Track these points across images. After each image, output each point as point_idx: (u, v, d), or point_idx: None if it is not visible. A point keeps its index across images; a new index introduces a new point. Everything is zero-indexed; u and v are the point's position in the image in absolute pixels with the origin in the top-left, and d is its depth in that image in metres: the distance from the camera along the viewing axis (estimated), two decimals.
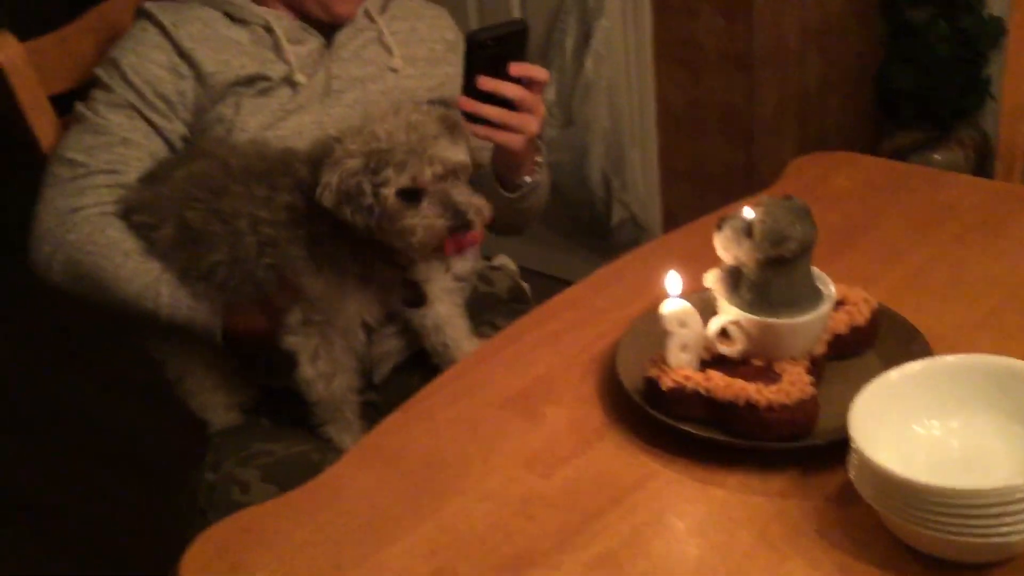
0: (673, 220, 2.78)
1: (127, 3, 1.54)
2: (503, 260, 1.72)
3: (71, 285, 1.37)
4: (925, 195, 1.42)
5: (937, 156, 2.70)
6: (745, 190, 2.54)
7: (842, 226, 1.33)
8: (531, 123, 1.30)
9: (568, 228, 2.91)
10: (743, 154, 2.55)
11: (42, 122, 1.46)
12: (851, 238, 1.31)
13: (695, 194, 2.69)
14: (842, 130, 2.81)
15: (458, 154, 1.19)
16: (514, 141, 1.31)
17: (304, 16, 1.47)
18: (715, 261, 1.04)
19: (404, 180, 1.16)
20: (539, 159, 1.44)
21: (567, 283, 2.46)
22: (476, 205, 1.19)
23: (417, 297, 1.35)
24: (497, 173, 1.43)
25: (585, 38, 2.58)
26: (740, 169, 2.57)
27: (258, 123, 1.41)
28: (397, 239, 1.20)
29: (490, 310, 1.59)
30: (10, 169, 2.53)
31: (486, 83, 1.26)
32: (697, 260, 1.26)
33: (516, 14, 2.78)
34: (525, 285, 1.71)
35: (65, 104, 1.48)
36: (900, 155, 2.75)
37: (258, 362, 1.49)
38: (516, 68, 1.26)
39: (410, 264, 1.31)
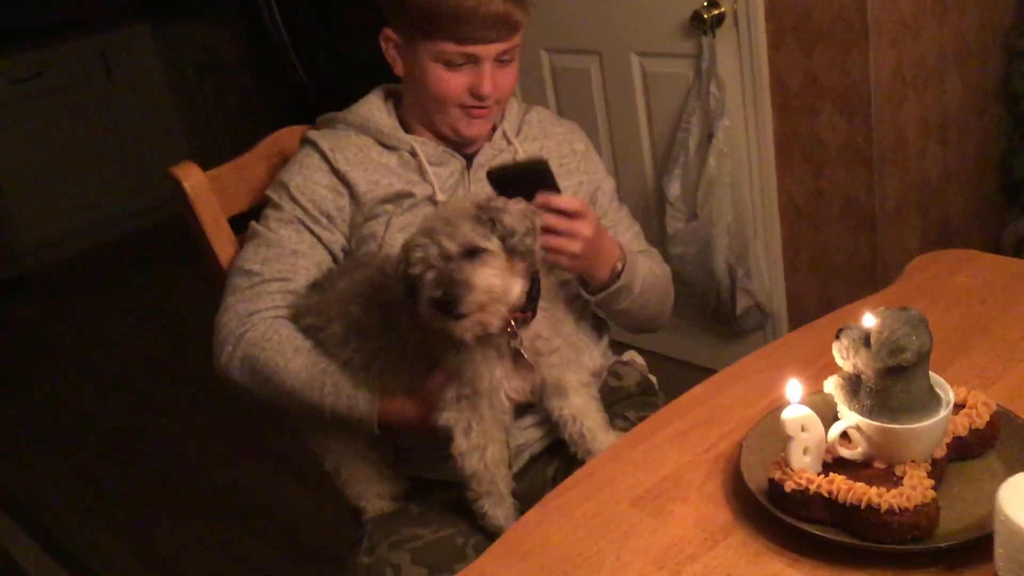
0: (797, 307, 2.76)
1: (293, 133, 1.67)
2: (632, 355, 1.75)
3: (248, 380, 1.47)
4: None
5: None
6: (868, 278, 2.54)
7: (962, 326, 1.33)
8: (568, 245, 1.37)
9: (695, 316, 2.92)
10: (866, 243, 2.53)
11: (221, 241, 1.58)
12: (971, 338, 1.30)
13: (819, 282, 2.68)
14: (965, 218, 2.75)
15: (467, 232, 1.23)
16: (560, 261, 1.39)
17: (444, 139, 1.56)
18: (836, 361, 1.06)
19: (416, 261, 1.24)
20: (618, 266, 1.49)
21: (695, 367, 2.47)
22: (473, 281, 1.21)
23: (517, 361, 1.37)
24: (582, 283, 1.52)
25: (708, 137, 2.62)
26: (863, 258, 2.55)
27: (405, 238, 1.49)
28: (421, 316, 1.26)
29: (621, 403, 1.62)
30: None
31: None
32: (819, 359, 1.29)
33: (643, 121, 2.85)
34: (653, 379, 1.73)
35: (238, 224, 1.61)
36: None
37: (410, 453, 1.56)
38: (537, 200, 1.34)
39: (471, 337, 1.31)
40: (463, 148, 1.57)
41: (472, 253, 1.23)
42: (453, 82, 1.47)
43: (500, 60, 1.48)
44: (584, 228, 1.37)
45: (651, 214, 2.86)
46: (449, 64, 1.46)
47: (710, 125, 2.61)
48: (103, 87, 4.92)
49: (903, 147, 2.49)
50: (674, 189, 2.72)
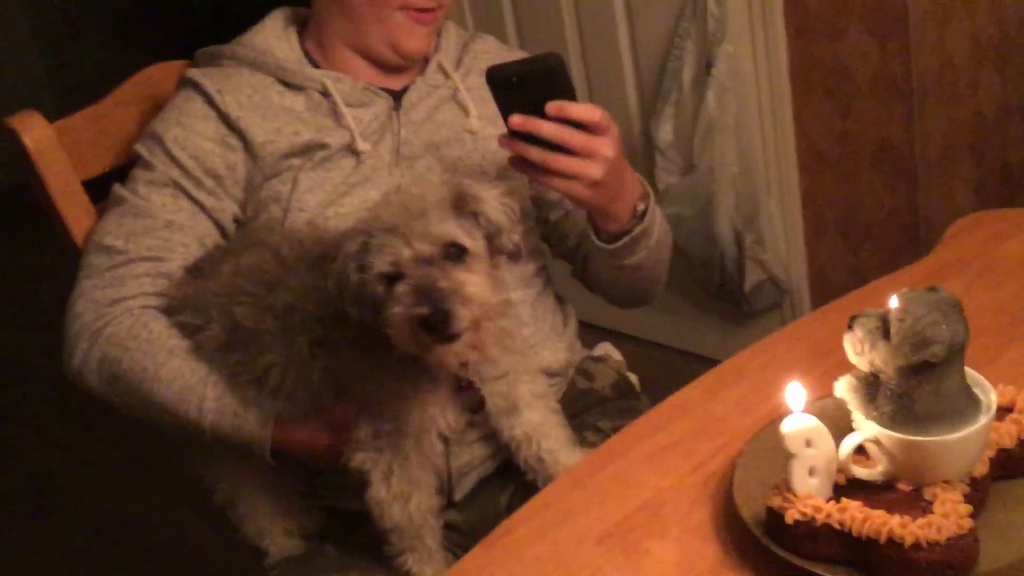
0: (822, 281, 2.77)
1: (166, 71, 1.65)
2: (606, 349, 1.75)
3: (107, 387, 1.45)
4: None
5: None
6: (909, 242, 2.55)
7: (1014, 307, 1.34)
8: (587, 167, 1.32)
9: (694, 293, 2.93)
10: (905, 199, 2.54)
11: (75, 210, 1.56)
12: (1022, 324, 1.30)
13: (848, 249, 2.69)
14: None
15: (448, 229, 1.21)
16: (573, 189, 1.34)
17: (377, 64, 1.56)
18: None
19: (383, 264, 1.20)
20: (640, 206, 1.46)
21: (695, 358, 2.48)
22: (464, 293, 1.19)
23: (473, 401, 1.37)
24: (593, 226, 1.47)
25: (706, 67, 2.62)
26: (902, 217, 2.57)
27: (318, 200, 1.49)
28: (387, 331, 1.22)
29: (592, 410, 1.63)
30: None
31: (517, 123, 1.30)
32: (834, 352, 1.28)
33: (625, 47, 2.84)
34: (633, 378, 1.74)
35: (101, 190, 1.59)
36: None
37: (323, 479, 1.55)
38: (550, 107, 1.29)
39: (455, 363, 1.31)
40: (389, 80, 1.56)
41: (453, 251, 1.21)
42: None
43: None
44: (605, 147, 1.33)
45: (636, 165, 2.82)
46: None
47: (708, 51, 2.61)
48: None
49: (950, 77, 2.50)
50: (664, 134, 2.72)
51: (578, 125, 1.30)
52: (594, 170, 1.32)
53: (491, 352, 1.33)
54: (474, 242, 1.23)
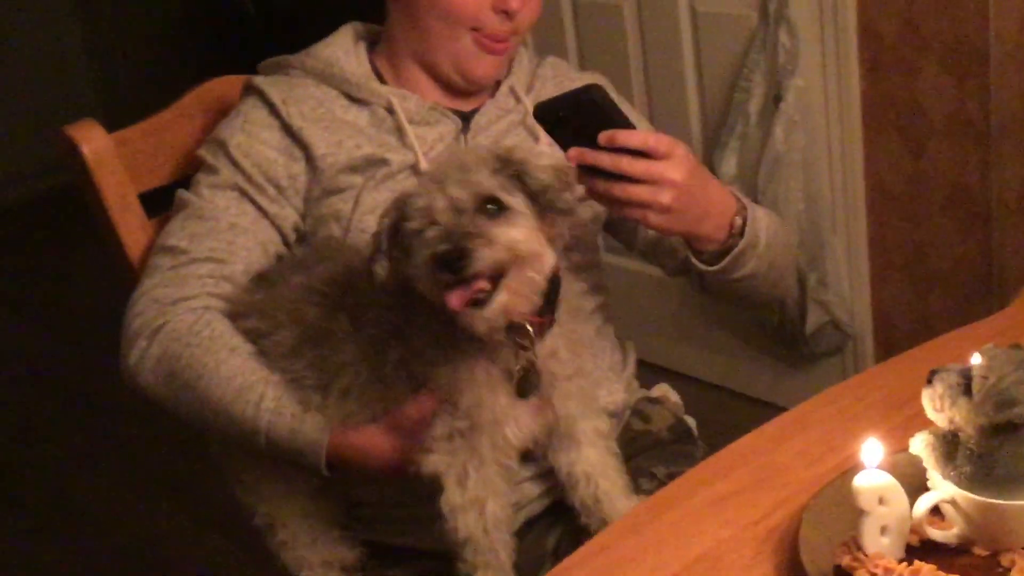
0: (887, 326, 2.76)
1: (226, 85, 1.67)
2: (664, 390, 1.74)
3: (163, 387, 1.44)
4: None
5: None
6: (981, 290, 2.53)
7: None
8: (654, 194, 1.32)
9: (753, 334, 2.92)
10: (979, 244, 2.52)
11: (129, 222, 1.58)
12: None
13: (916, 294, 2.67)
14: None
15: (484, 181, 1.22)
16: (647, 217, 1.35)
17: (444, 85, 1.57)
18: None
19: (419, 216, 1.21)
20: (738, 220, 1.45)
21: (751, 401, 2.46)
22: (492, 235, 1.19)
23: (527, 383, 1.33)
24: (692, 248, 1.47)
25: (775, 100, 2.62)
26: (975, 263, 2.55)
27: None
28: (417, 286, 1.23)
29: (647, 454, 1.62)
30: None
31: (573, 156, 1.31)
32: (908, 404, 1.28)
33: (690, 77, 2.85)
34: (691, 421, 1.73)
35: (153, 202, 1.60)
36: None
37: (365, 510, 1.56)
38: (602, 138, 1.30)
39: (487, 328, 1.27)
40: (458, 102, 1.57)
41: (491, 207, 1.22)
42: None
43: None
44: (671, 171, 1.32)
45: None
46: None
47: (777, 85, 2.61)
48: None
49: None
50: (728, 167, 2.72)
51: (639, 152, 1.31)
52: (662, 196, 1.32)
53: (562, 351, 1.33)
54: (512, 198, 1.23)
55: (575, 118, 1.32)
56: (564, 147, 1.33)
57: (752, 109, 2.68)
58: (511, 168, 1.24)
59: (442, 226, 1.20)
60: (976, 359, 1.02)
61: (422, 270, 1.20)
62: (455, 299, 1.19)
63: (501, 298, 1.20)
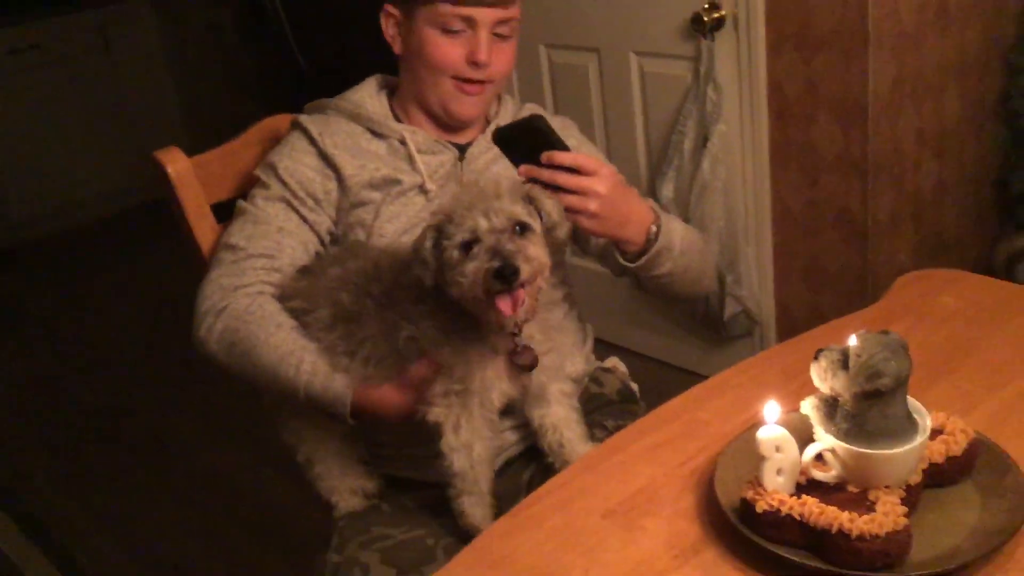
0: (787, 315, 2.75)
1: (280, 121, 1.65)
2: (614, 362, 1.74)
3: (225, 354, 1.43)
4: None
5: None
6: (859, 290, 2.53)
7: (945, 348, 1.31)
8: (581, 202, 1.33)
9: (683, 319, 2.91)
10: (857, 255, 2.52)
11: (203, 228, 1.56)
12: (954, 360, 1.28)
13: (809, 291, 2.67)
14: (958, 232, 2.74)
15: (517, 210, 1.23)
16: (579, 220, 1.35)
17: (437, 122, 1.56)
18: None
19: (464, 233, 1.21)
20: (653, 228, 1.45)
21: (681, 371, 2.45)
22: (527, 254, 1.20)
23: (528, 360, 1.34)
24: (618, 248, 1.48)
25: (703, 141, 2.61)
26: (854, 269, 2.54)
27: (394, 228, 1.49)
28: (454, 288, 1.23)
29: (600, 411, 1.61)
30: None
31: (523, 172, 1.33)
32: (800, 375, 1.26)
33: (639, 122, 2.84)
34: (634, 386, 1.72)
35: (224, 211, 1.59)
36: (1018, 257, 2.67)
37: (383, 450, 1.55)
38: (543, 156, 1.32)
39: (509, 327, 1.30)
40: (456, 136, 1.56)
41: (518, 229, 1.23)
42: (449, 48, 1.48)
43: (498, 34, 1.49)
44: (597, 184, 1.34)
45: None
46: (446, 30, 1.47)
47: (706, 129, 2.60)
48: (101, 62, 4.89)
49: (899, 159, 2.48)
50: (667, 191, 2.71)
51: (574, 170, 1.33)
52: (590, 204, 1.34)
53: (537, 335, 1.33)
54: (535, 221, 1.25)
55: (523, 141, 1.33)
56: (515, 164, 1.35)
57: (686, 147, 2.66)
58: (532, 203, 1.26)
59: (489, 244, 1.20)
60: (852, 341, 1.01)
61: (473, 279, 1.20)
62: (507, 305, 1.21)
63: (528, 303, 1.23)
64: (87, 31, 4.81)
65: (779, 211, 2.63)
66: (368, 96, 1.58)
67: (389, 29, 1.55)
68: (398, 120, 1.57)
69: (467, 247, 1.21)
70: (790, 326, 2.74)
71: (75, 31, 4.77)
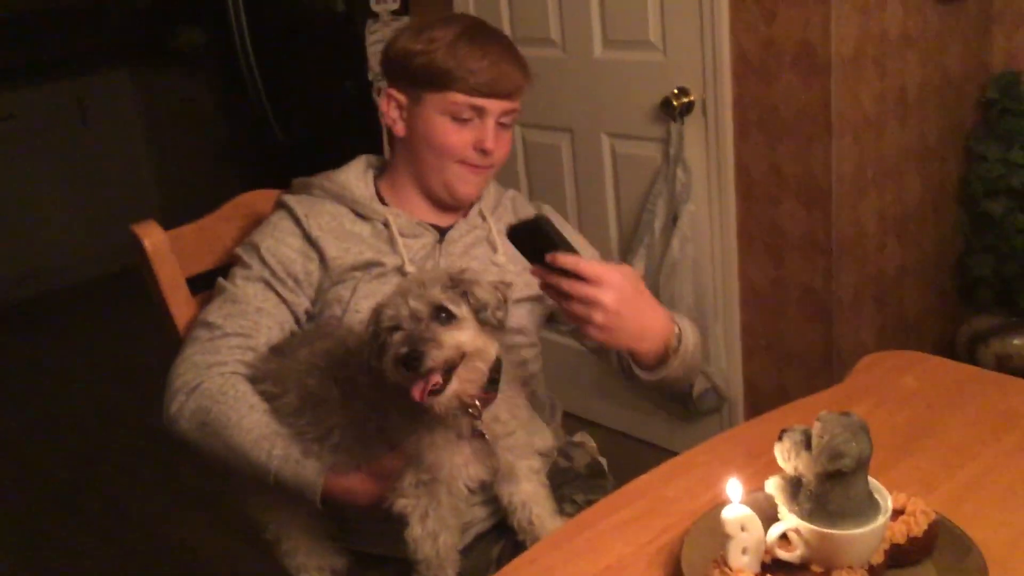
0: (753, 392, 2.77)
1: (256, 197, 1.68)
2: (583, 437, 1.75)
3: (196, 433, 1.43)
4: (991, 400, 1.41)
5: (1016, 341, 2.66)
6: (823, 367, 2.56)
7: (906, 429, 1.34)
8: (586, 312, 1.28)
9: (653, 395, 2.93)
10: (822, 333, 2.56)
11: (177, 300, 1.58)
12: (915, 441, 1.31)
13: (775, 368, 2.70)
14: (920, 313, 2.80)
15: (437, 295, 1.22)
16: (585, 329, 1.31)
17: (434, 202, 1.58)
18: None
19: (387, 319, 1.23)
20: (675, 341, 1.42)
21: (650, 446, 2.46)
22: (440, 339, 1.19)
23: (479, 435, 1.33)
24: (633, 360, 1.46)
25: (673, 220, 2.66)
26: (819, 347, 2.58)
27: (370, 305, 1.49)
28: (383, 371, 1.23)
29: (569, 485, 1.62)
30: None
31: (535, 273, 1.31)
32: (765, 454, 1.27)
33: (611, 200, 2.89)
34: (603, 460, 1.73)
35: (199, 283, 1.60)
36: (979, 339, 2.72)
37: (352, 525, 1.54)
38: (548, 259, 1.28)
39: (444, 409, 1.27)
40: (440, 218, 1.59)
41: (442, 316, 1.22)
42: (458, 135, 1.51)
43: (501, 123, 1.53)
44: (602, 295, 1.27)
45: None
46: (456, 118, 1.51)
47: (675, 208, 2.65)
48: (78, 132, 4.91)
49: (862, 240, 2.54)
50: (637, 268, 2.74)
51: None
52: (595, 314, 1.29)
53: (502, 415, 1.33)
54: (459, 309, 1.23)
55: (529, 241, 1.31)
56: (528, 259, 1.31)
57: (656, 226, 2.71)
58: (460, 287, 1.25)
59: (404, 331, 1.21)
60: (816, 422, 1.03)
61: (389, 367, 1.22)
62: (416, 392, 1.21)
63: (453, 387, 1.23)
64: (64, 101, 4.84)
65: (746, 290, 2.67)
66: (355, 177, 1.60)
67: (391, 112, 1.56)
68: (383, 201, 1.59)
69: (391, 332, 1.23)
70: (757, 403, 2.77)
71: (52, 101, 4.80)
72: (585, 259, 1.29)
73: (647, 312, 1.37)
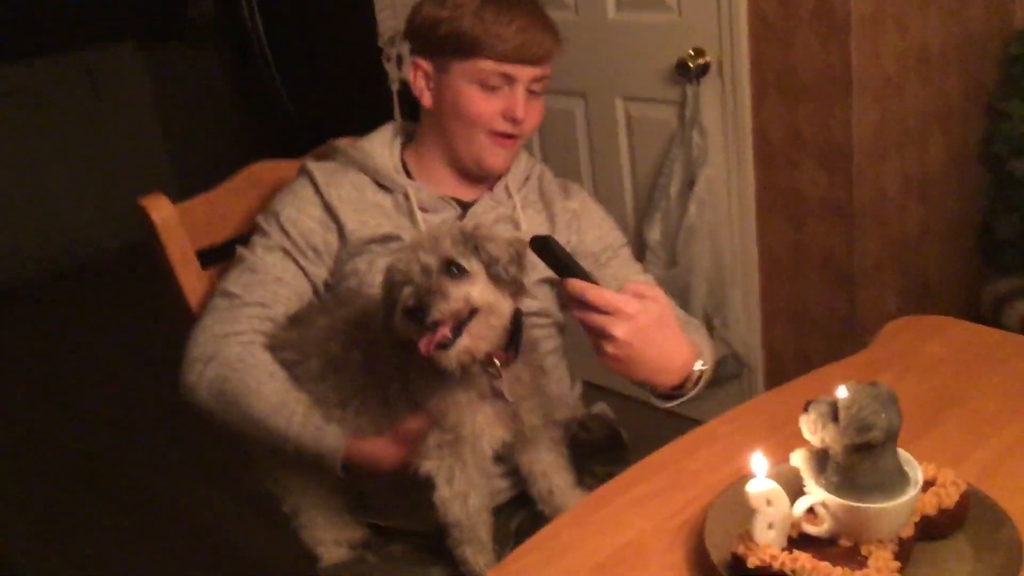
0: (774, 358, 2.74)
1: (267, 167, 1.64)
2: (602, 408, 1.72)
3: (214, 402, 1.41)
4: (1021, 366, 1.37)
5: None
6: (845, 333, 2.53)
7: (934, 397, 1.30)
8: (597, 341, 1.22)
9: None
10: (844, 298, 2.52)
11: (188, 274, 1.55)
12: (942, 411, 1.27)
13: (796, 335, 2.66)
14: (943, 277, 2.75)
15: (447, 249, 1.20)
16: (600, 358, 1.24)
17: (462, 174, 1.54)
18: None
19: (400, 275, 1.21)
20: (696, 372, 1.35)
21: (668, 413, 2.44)
22: (447, 292, 1.17)
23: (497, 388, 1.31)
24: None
25: (690, 184, 2.62)
26: (840, 313, 2.54)
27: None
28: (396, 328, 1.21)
29: (589, 457, 1.59)
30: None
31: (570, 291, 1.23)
32: (789, 424, 1.25)
33: (625, 165, 2.85)
34: (623, 432, 1.70)
35: (210, 257, 1.58)
36: (1004, 301, 2.67)
37: (370, 499, 1.53)
38: (572, 288, 1.21)
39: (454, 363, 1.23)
40: (465, 192, 1.54)
41: (453, 270, 1.20)
42: (487, 104, 1.46)
43: (531, 91, 1.48)
44: (612, 326, 1.19)
45: None
46: (484, 85, 1.46)
47: (692, 173, 2.60)
48: (90, 105, 4.89)
49: (883, 204, 2.49)
50: (654, 235, 2.71)
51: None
52: (606, 345, 1.21)
53: (524, 376, 1.31)
54: (470, 264, 1.21)
55: (544, 256, 1.26)
56: (552, 268, 1.26)
57: (672, 191, 2.67)
58: (472, 241, 1.23)
59: (414, 284, 1.19)
60: (842, 392, 1.00)
61: (398, 320, 1.20)
62: (422, 344, 1.19)
63: (463, 342, 1.21)
64: (75, 74, 4.81)
65: (765, 255, 2.63)
66: (380, 145, 1.56)
67: (419, 82, 1.52)
68: (408, 172, 1.56)
69: (403, 288, 1.21)
70: (778, 369, 2.74)
71: (64, 74, 4.77)
72: (596, 288, 1.20)
73: (666, 345, 1.26)
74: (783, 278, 2.62)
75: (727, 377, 2.79)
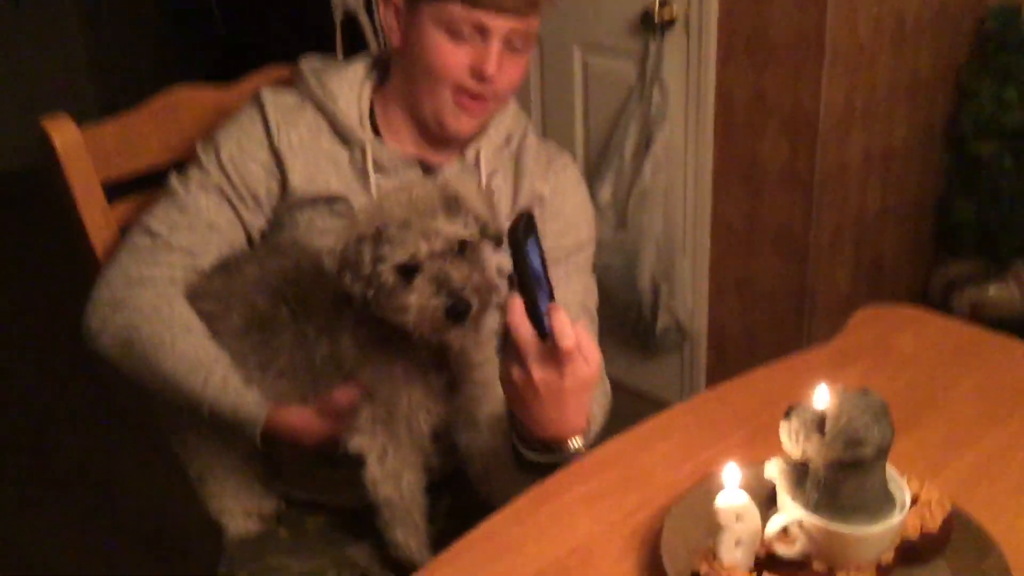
0: (718, 331, 2.66)
1: (190, 94, 1.47)
2: None
3: (119, 351, 1.27)
4: (999, 367, 1.28)
5: (992, 290, 2.56)
6: (793, 309, 2.44)
7: (907, 398, 1.20)
8: (507, 367, 1.07)
9: (615, 328, 2.79)
10: (795, 273, 2.43)
11: (91, 208, 1.37)
12: (916, 414, 1.17)
13: (743, 308, 2.57)
14: (897, 257, 2.68)
15: (457, 229, 1.10)
16: (510, 377, 1.07)
17: (423, 133, 1.36)
18: (772, 422, 0.92)
19: (401, 256, 1.09)
20: (572, 444, 1.13)
21: (612, 382, 2.32)
22: (476, 283, 1.10)
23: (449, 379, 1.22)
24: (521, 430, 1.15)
25: (646, 144, 2.49)
26: (791, 287, 2.45)
27: (325, 244, 1.28)
28: (394, 316, 1.11)
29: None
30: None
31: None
32: (752, 419, 1.15)
33: (579, 118, 2.71)
34: None
35: (116, 191, 1.41)
36: (955, 285, 2.62)
37: (283, 467, 1.39)
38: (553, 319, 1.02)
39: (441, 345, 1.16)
40: (433, 154, 1.37)
41: (461, 249, 1.11)
42: (453, 56, 1.26)
43: (511, 46, 1.27)
44: (540, 370, 1.04)
45: None
46: (453, 34, 1.25)
47: (649, 132, 2.48)
48: (9, 15, 4.57)
49: (844, 177, 2.39)
50: (604, 195, 2.58)
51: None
52: (513, 372, 1.06)
53: (470, 345, 1.23)
54: (471, 234, 1.12)
55: (516, 249, 1.05)
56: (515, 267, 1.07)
57: (627, 149, 2.53)
58: (456, 207, 1.11)
59: (432, 274, 1.09)
60: (824, 395, 0.89)
61: (419, 316, 1.10)
62: (456, 340, 1.14)
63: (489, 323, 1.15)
64: None
65: (719, 224, 2.52)
66: (348, 85, 1.35)
67: (388, 18, 1.31)
68: (373, 120, 1.36)
69: (404, 271, 1.09)
70: (721, 343, 2.65)
71: None
72: (570, 324, 1.02)
73: (568, 412, 1.09)
74: (735, 248, 2.52)
75: (669, 347, 2.71)
